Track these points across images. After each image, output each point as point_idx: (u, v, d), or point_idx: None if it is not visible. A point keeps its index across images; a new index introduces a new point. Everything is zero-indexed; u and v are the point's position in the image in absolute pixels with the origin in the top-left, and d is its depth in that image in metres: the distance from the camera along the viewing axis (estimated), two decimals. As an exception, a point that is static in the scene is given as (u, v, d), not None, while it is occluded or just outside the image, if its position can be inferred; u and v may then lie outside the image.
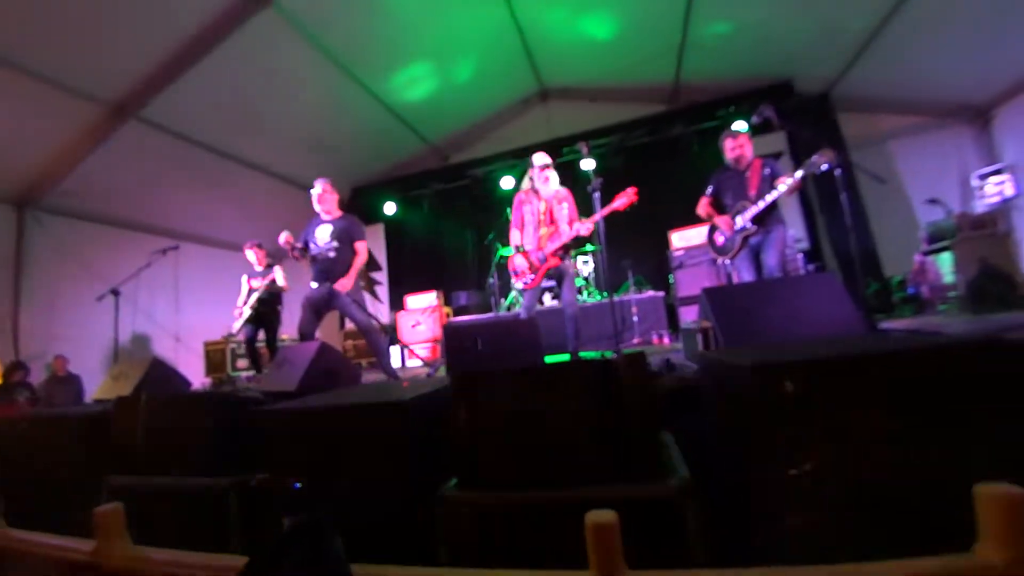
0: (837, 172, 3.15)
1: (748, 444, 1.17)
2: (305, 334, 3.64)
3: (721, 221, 3.51)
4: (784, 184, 3.18)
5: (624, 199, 3.39)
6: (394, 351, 6.27)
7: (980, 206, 5.97)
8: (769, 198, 3.23)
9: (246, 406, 1.83)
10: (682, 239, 5.89)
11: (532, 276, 3.58)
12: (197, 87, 5.22)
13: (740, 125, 6.21)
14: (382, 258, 8.86)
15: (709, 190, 3.68)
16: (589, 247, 6.46)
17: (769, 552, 1.09)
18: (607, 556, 0.76)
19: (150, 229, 6.79)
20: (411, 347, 6.39)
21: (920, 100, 6.42)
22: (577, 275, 6.30)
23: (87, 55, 4.57)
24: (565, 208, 3.61)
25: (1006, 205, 5.78)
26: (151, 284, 6.14)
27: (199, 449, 1.76)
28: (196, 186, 6.71)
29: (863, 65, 6.01)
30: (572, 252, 3.66)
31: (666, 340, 5.21)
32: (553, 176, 3.68)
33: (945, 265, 4.98)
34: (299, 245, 3.81)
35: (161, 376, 3.24)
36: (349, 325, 7.36)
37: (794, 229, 5.95)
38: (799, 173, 3.15)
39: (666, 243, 6.05)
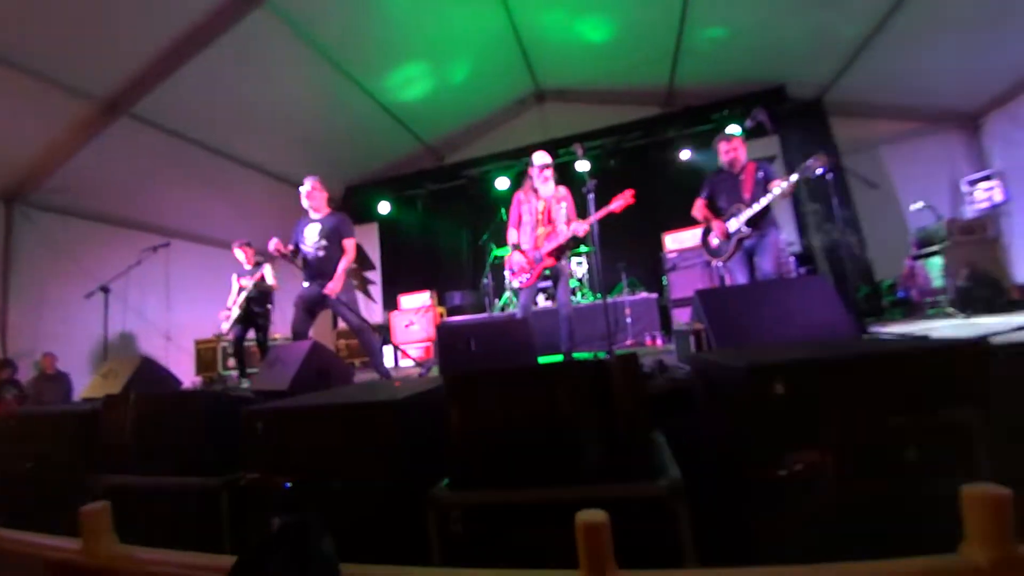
0: (829, 176, 3.18)
1: (739, 444, 1.18)
2: (298, 333, 3.62)
3: (716, 225, 3.53)
4: (778, 188, 3.20)
5: (621, 201, 3.40)
6: (387, 351, 6.25)
7: (969, 211, 6.05)
8: (764, 201, 3.26)
9: (237, 405, 1.82)
10: (675, 241, 5.92)
11: (528, 275, 3.59)
12: (191, 84, 5.18)
13: (734, 129, 6.27)
14: (376, 257, 8.84)
15: (704, 192, 3.71)
16: (583, 248, 6.47)
17: (758, 551, 1.10)
18: (597, 555, 0.76)
19: (141, 226, 6.72)
20: (403, 348, 6.37)
21: (911, 106, 6.50)
22: (571, 276, 6.31)
23: (80, 51, 4.52)
24: (563, 208, 3.61)
25: (995, 211, 5.86)
26: (142, 281, 6.07)
27: (189, 448, 1.74)
28: (189, 183, 6.65)
29: (855, 71, 6.07)
30: (568, 253, 3.66)
31: (659, 342, 5.22)
32: (552, 176, 3.67)
33: (935, 269, 5.04)
34: (289, 247, 3.73)
35: (151, 374, 3.21)
36: (342, 324, 7.33)
37: (786, 232, 5.99)
38: (794, 177, 3.17)
39: (660, 245, 6.09)
